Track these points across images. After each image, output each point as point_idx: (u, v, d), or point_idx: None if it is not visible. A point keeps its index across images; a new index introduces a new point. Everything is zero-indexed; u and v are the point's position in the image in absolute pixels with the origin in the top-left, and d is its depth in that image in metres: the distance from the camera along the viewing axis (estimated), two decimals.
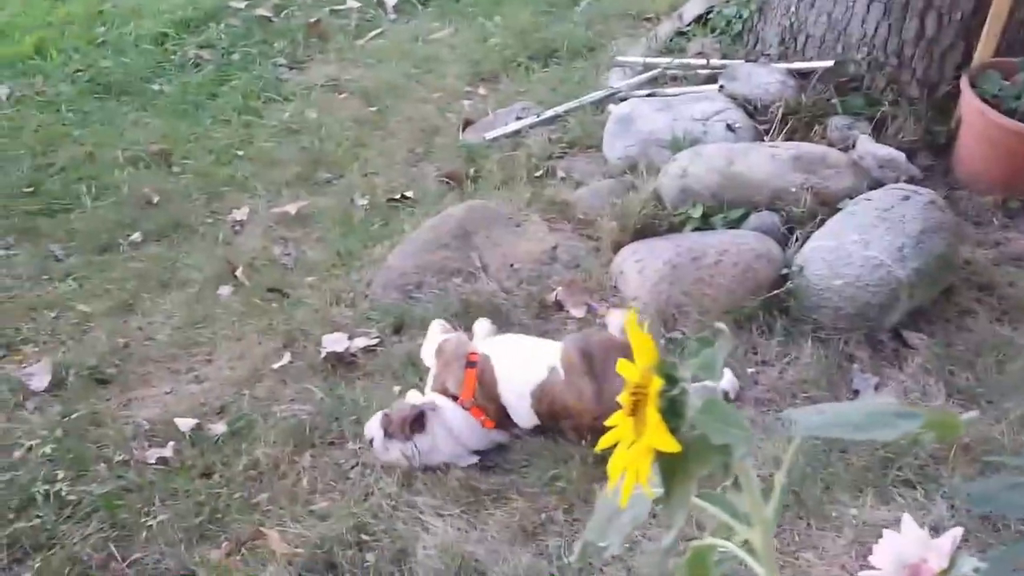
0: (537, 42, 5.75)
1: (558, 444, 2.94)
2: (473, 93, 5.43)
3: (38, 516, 2.90)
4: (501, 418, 3.03)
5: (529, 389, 2.97)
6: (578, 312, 3.47)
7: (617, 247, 3.64)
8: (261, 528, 2.79)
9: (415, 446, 2.92)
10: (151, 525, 2.85)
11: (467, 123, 5.02)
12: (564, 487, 2.80)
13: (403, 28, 6.26)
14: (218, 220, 4.46)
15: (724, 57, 4.85)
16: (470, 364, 3.05)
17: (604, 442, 0.78)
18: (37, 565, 2.75)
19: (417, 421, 2.92)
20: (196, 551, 2.76)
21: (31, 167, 4.75)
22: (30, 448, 3.17)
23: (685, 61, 4.83)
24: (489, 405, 3.02)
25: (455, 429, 2.98)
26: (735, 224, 3.61)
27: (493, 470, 2.91)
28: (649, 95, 4.53)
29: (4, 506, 2.93)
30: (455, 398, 3.03)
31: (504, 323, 3.49)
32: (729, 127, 4.13)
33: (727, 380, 3.09)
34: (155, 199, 4.56)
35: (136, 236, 4.32)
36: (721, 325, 0.77)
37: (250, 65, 5.79)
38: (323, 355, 3.47)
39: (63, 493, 2.97)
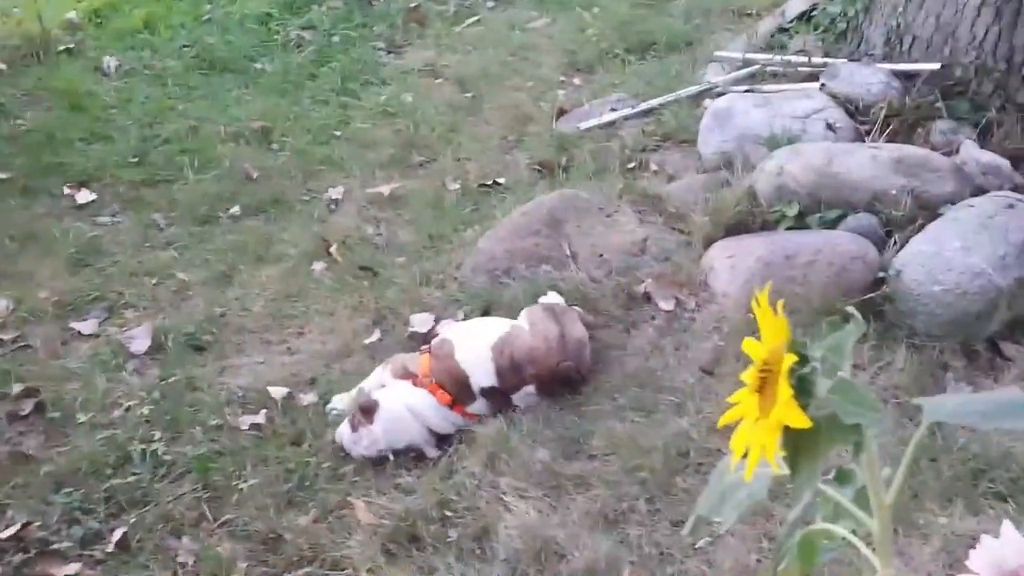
0: (634, 34, 5.74)
1: (642, 434, 2.95)
2: (568, 83, 5.45)
3: (134, 473, 3.01)
4: (458, 390, 3.10)
5: (489, 344, 3.11)
6: (666, 305, 3.46)
7: (709, 242, 3.63)
8: (348, 497, 2.86)
9: (375, 432, 3.00)
10: (242, 488, 2.94)
11: (561, 112, 5.04)
12: (646, 477, 2.81)
13: (500, 16, 6.30)
14: (314, 198, 4.56)
15: (826, 55, 4.79)
16: (423, 350, 3.20)
17: (726, 418, 0.80)
18: (132, 520, 2.85)
19: (367, 409, 3.00)
20: (284, 516, 2.83)
21: (138, 138, 4.91)
22: (128, 408, 3.29)
23: (786, 58, 4.78)
24: (446, 378, 3.10)
25: (413, 407, 3.06)
26: (831, 225, 3.56)
27: (576, 456, 2.93)
28: (747, 91, 4.49)
29: (103, 462, 3.04)
30: (415, 379, 3.12)
31: (591, 312, 3.51)
32: (829, 126, 4.07)
33: None
34: (254, 175, 4.68)
35: (235, 209, 4.44)
36: (852, 309, 0.78)
37: (350, 48, 5.89)
38: (408, 334, 3.53)
39: (159, 453, 3.07)
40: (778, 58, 4.82)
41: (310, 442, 3.11)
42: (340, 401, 3.23)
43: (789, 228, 3.58)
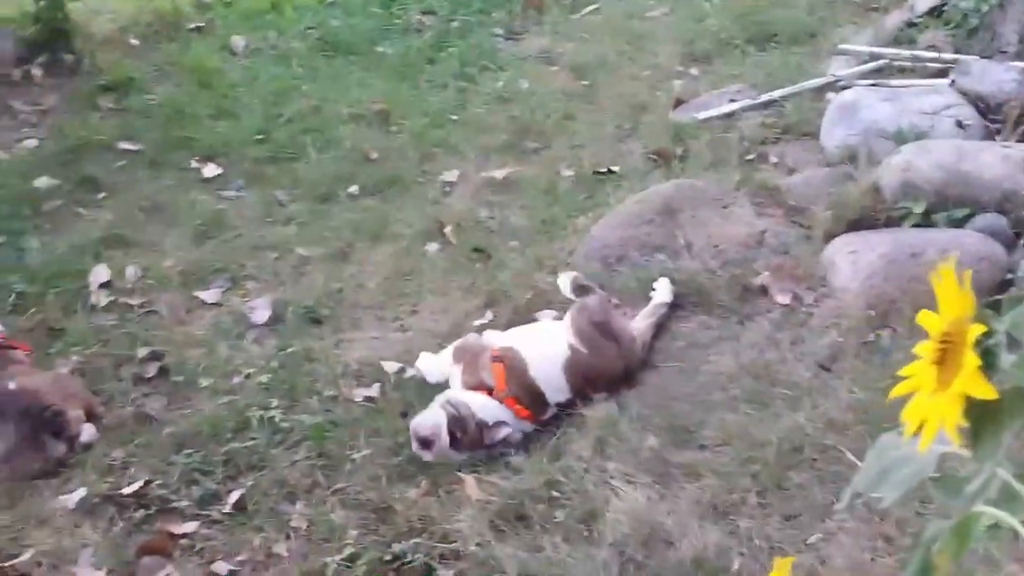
0: (755, 25, 5.64)
1: (756, 426, 2.91)
2: (685, 73, 5.40)
3: (252, 439, 3.10)
4: (534, 404, 3.11)
5: (559, 365, 3.15)
6: (783, 299, 3.41)
7: (830, 237, 3.56)
8: (459, 472, 2.90)
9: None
10: (355, 459, 3.00)
11: (678, 102, 4.99)
12: (758, 470, 2.78)
13: (618, 4, 6.27)
14: (430, 180, 4.62)
15: (956, 52, 4.64)
16: (495, 359, 3.15)
17: (898, 391, 0.79)
18: (249, 483, 2.94)
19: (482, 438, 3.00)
20: (395, 488, 2.88)
21: (262, 116, 5.04)
22: (248, 375, 3.39)
23: (915, 53, 4.65)
24: (522, 393, 3.11)
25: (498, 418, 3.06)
26: (958, 223, 3.46)
27: (686, 445, 2.91)
28: (874, 85, 4.38)
29: (222, 426, 3.14)
30: (489, 391, 3.10)
31: (705, 303, 3.48)
32: (959, 123, 3.95)
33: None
34: (373, 155, 4.76)
35: (354, 189, 4.53)
36: (987, 310, 0.76)
37: (468, 33, 5.94)
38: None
39: (276, 420, 3.16)
40: (906, 53, 4.70)
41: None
42: (425, 362, 3.26)
43: (914, 225, 3.49)
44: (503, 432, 3.01)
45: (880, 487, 0.83)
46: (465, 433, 2.98)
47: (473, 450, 3.00)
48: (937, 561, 0.75)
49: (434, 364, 3.30)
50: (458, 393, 3.12)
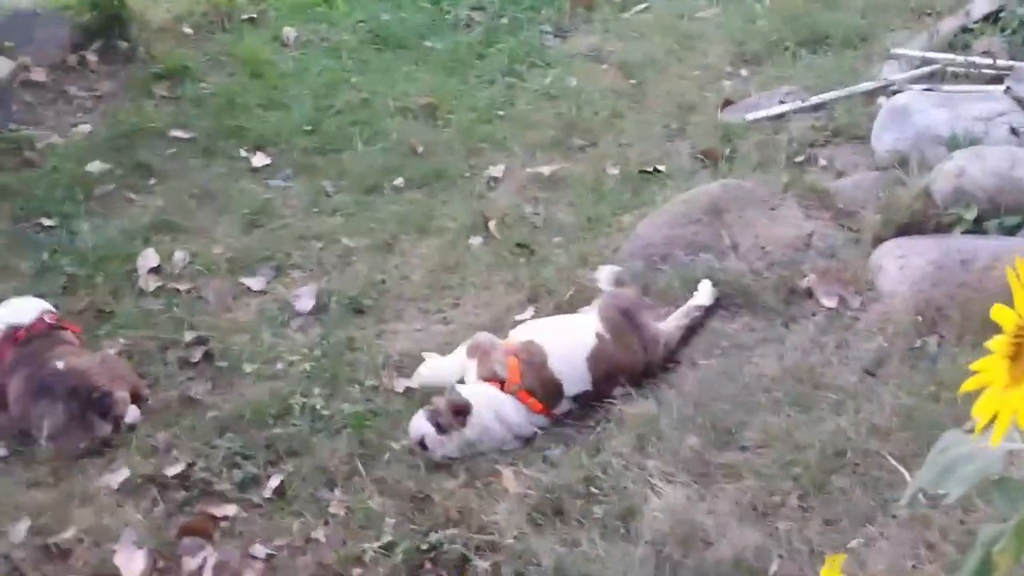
0: (806, 28, 5.59)
1: (798, 429, 2.89)
2: (734, 74, 5.37)
3: (294, 425, 3.13)
4: (549, 397, 3.10)
5: (584, 356, 3.15)
6: (830, 302, 3.37)
7: (878, 241, 3.52)
8: (497, 465, 2.90)
9: (466, 436, 2.98)
10: (394, 448, 3.02)
11: (727, 103, 4.96)
12: (800, 473, 2.75)
13: (668, 4, 6.25)
14: (475, 174, 4.63)
15: (1012, 58, 4.56)
16: (511, 354, 3.15)
17: (968, 385, 0.77)
18: (289, 469, 2.97)
19: (460, 411, 2.97)
20: (433, 478, 2.89)
21: (312, 107, 5.08)
22: (291, 363, 3.42)
23: (969, 59, 4.58)
24: (538, 386, 3.09)
25: (502, 414, 3.04)
26: (1011, 231, 3.40)
27: (727, 446, 2.89)
28: (927, 90, 4.32)
29: (265, 412, 3.17)
30: (502, 384, 3.08)
31: (750, 304, 3.46)
32: (1013, 131, 3.89)
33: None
34: (420, 149, 4.79)
35: (399, 181, 4.55)
36: None
37: (517, 30, 5.95)
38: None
39: (317, 407, 3.18)
40: (961, 58, 4.62)
41: None
42: (427, 368, 3.24)
43: (965, 232, 3.44)
44: (474, 419, 2.99)
45: (944, 483, 0.82)
46: (443, 417, 2.97)
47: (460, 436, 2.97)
48: (997, 560, 0.74)
49: (446, 363, 3.25)
50: (468, 386, 3.11)
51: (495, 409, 3.05)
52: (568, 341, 3.21)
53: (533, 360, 3.15)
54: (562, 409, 3.17)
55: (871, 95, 4.62)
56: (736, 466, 2.81)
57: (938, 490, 0.82)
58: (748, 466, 2.81)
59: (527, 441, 3.08)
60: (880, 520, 2.60)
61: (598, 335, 3.20)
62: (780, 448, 2.84)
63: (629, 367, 3.19)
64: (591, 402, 3.17)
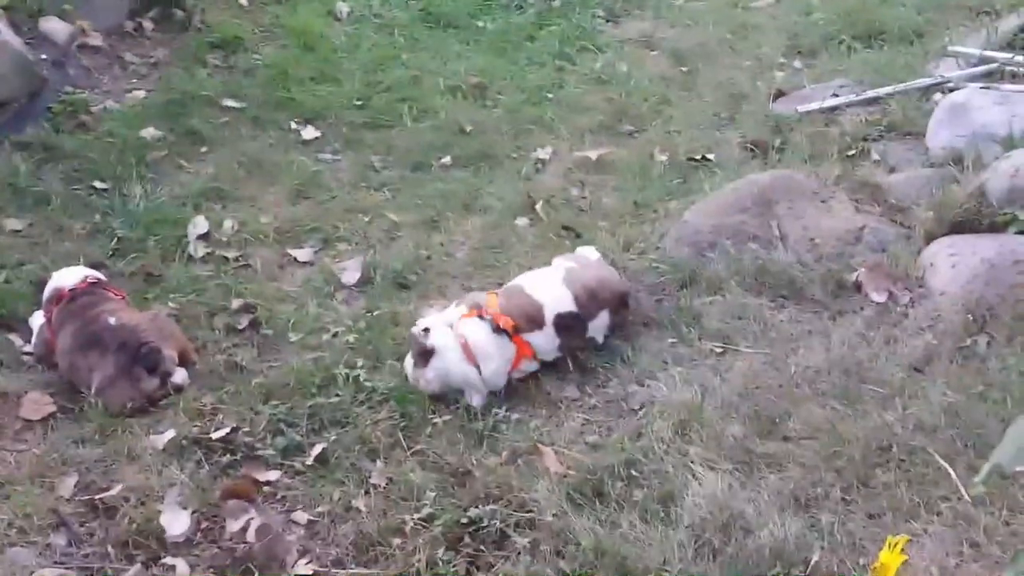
0: (862, 21, 5.54)
1: (843, 423, 2.87)
2: (787, 65, 5.32)
3: (337, 395, 3.15)
4: (527, 322, 3.18)
5: (560, 278, 3.30)
6: (879, 297, 3.35)
7: (930, 238, 3.49)
8: (539, 444, 2.91)
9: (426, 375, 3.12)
10: (436, 423, 3.03)
11: (779, 94, 4.93)
12: (843, 466, 2.74)
13: None
14: (522, 156, 4.63)
15: None
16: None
17: None
18: (332, 438, 2.99)
19: (424, 354, 3.11)
20: (474, 454, 2.90)
21: (362, 82, 5.10)
22: (336, 334, 3.44)
23: None
24: (516, 312, 3.20)
25: (476, 344, 3.12)
26: None
27: (771, 436, 2.88)
28: (984, 88, 4.26)
29: (309, 381, 3.19)
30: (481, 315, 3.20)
31: (797, 296, 3.44)
32: None
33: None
34: (468, 128, 4.79)
35: (447, 159, 4.56)
36: None
37: (570, 13, 5.93)
38: None
39: (360, 379, 3.20)
40: (1020, 58, 4.56)
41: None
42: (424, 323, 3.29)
43: (1019, 232, 3.40)
44: (429, 335, 3.13)
45: (1022, 460, 0.81)
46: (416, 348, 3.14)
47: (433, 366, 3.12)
48: None
49: (443, 317, 3.29)
50: (442, 328, 3.20)
51: (465, 336, 3.14)
52: (542, 273, 3.40)
53: (511, 292, 3.31)
54: (550, 346, 3.22)
55: (927, 91, 4.57)
56: (779, 456, 2.81)
57: (1016, 467, 0.82)
58: (791, 457, 2.80)
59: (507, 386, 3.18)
60: (924, 516, 2.59)
61: (568, 267, 3.38)
62: (824, 440, 2.83)
63: (610, 282, 3.34)
64: (573, 337, 3.23)
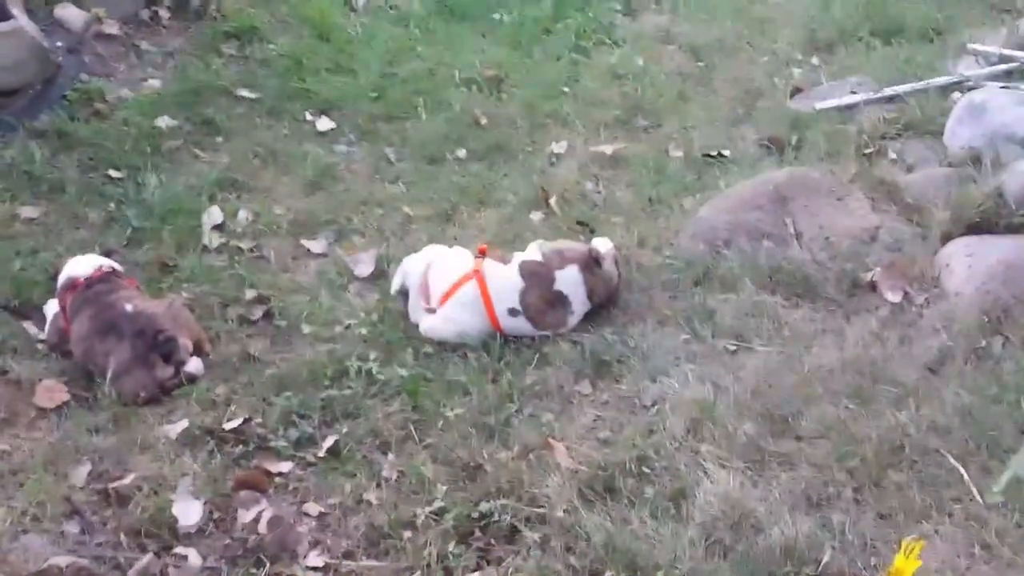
0: (882, 18, 5.51)
1: (856, 422, 2.86)
2: (805, 61, 5.30)
3: (349, 387, 3.15)
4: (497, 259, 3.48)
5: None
6: (894, 296, 3.34)
7: (946, 238, 3.48)
8: (551, 439, 2.91)
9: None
10: (448, 416, 3.03)
11: (796, 90, 4.91)
12: (856, 466, 2.73)
13: None
14: (537, 149, 4.62)
15: None
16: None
17: None
18: (344, 430, 2.99)
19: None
20: (486, 448, 2.90)
21: (377, 74, 5.09)
22: (348, 326, 3.45)
23: None
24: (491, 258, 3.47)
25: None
26: None
27: (783, 434, 2.87)
28: (1004, 87, 4.24)
29: (321, 373, 3.20)
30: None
31: (811, 294, 3.43)
32: None
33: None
34: (483, 121, 4.78)
35: (461, 152, 4.56)
36: None
37: (586, 7, 5.91)
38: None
39: (373, 371, 3.20)
40: None
41: (509, 380, 3.18)
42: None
43: None
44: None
45: None
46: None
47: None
48: None
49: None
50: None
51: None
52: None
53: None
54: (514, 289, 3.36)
55: (945, 90, 4.55)
56: (791, 455, 2.80)
57: None
58: (803, 456, 2.79)
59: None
60: (935, 518, 2.58)
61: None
62: (836, 440, 2.83)
63: (576, 247, 3.50)
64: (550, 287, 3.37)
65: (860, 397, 2.97)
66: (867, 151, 4.20)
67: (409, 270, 3.50)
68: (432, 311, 3.41)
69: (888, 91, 4.59)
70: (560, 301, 3.38)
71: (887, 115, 4.44)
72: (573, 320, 3.41)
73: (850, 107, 4.56)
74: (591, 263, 3.42)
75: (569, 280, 3.38)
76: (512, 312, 3.37)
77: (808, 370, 3.09)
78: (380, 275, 3.73)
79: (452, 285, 3.41)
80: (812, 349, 3.19)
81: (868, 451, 2.75)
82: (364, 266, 3.79)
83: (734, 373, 3.12)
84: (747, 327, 3.32)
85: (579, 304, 3.40)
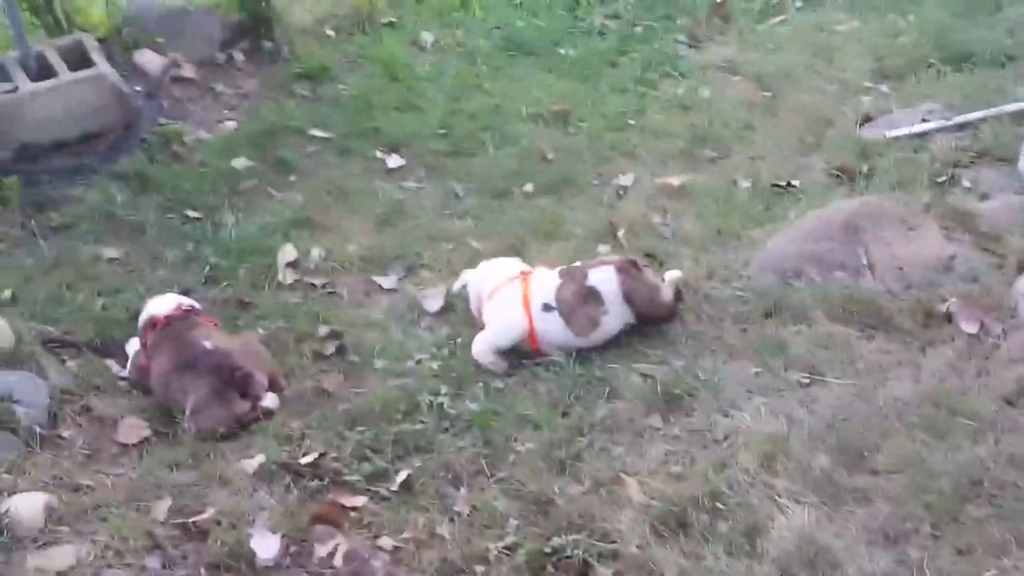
0: (952, 44, 5.44)
1: (933, 456, 2.81)
2: (874, 89, 5.25)
3: (421, 422, 3.19)
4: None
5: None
6: (969, 327, 3.28)
7: (1023, 267, 3.40)
8: (622, 473, 2.90)
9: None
10: (519, 451, 3.05)
11: (866, 119, 4.86)
12: (933, 501, 2.68)
13: (808, 16, 6.15)
14: (604, 182, 4.64)
15: None
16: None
17: None
18: (416, 465, 3.02)
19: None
20: (557, 482, 2.91)
21: (445, 111, 5.17)
22: (420, 361, 3.49)
23: None
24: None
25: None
26: None
27: (858, 468, 2.84)
28: None
29: (394, 407, 3.24)
30: None
31: (885, 326, 3.39)
32: None
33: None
34: (549, 155, 4.82)
35: (528, 187, 4.60)
36: None
37: (651, 39, 5.93)
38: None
39: (444, 406, 3.24)
40: None
41: (580, 414, 3.18)
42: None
43: None
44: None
45: None
46: None
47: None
48: None
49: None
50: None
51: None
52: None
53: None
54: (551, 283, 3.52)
55: (1019, 116, 4.46)
56: (867, 490, 2.76)
57: None
58: (879, 490, 2.75)
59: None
60: (1016, 553, 2.53)
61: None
62: (913, 474, 2.78)
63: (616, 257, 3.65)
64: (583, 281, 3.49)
65: (937, 430, 2.92)
66: (940, 179, 4.14)
67: (470, 281, 3.69)
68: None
69: (960, 118, 4.52)
70: (593, 297, 3.45)
71: (959, 143, 4.38)
72: (609, 323, 3.46)
73: (921, 135, 4.51)
74: (628, 267, 3.48)
75: (603, 278, 3.48)
76: (546, 307, 3.47)
77: (883, 403, 3.05)
78: (450, 309, 3.78)
79: (499, 284, 3.55)
80: (887, 381, 3.15)
81: (945, 485, 2.71)
82: (434, 301, 3.84)
83: (807, 406, 3.09)
84: (819, 359, 3.29)
85: (615, 305, 3.46)
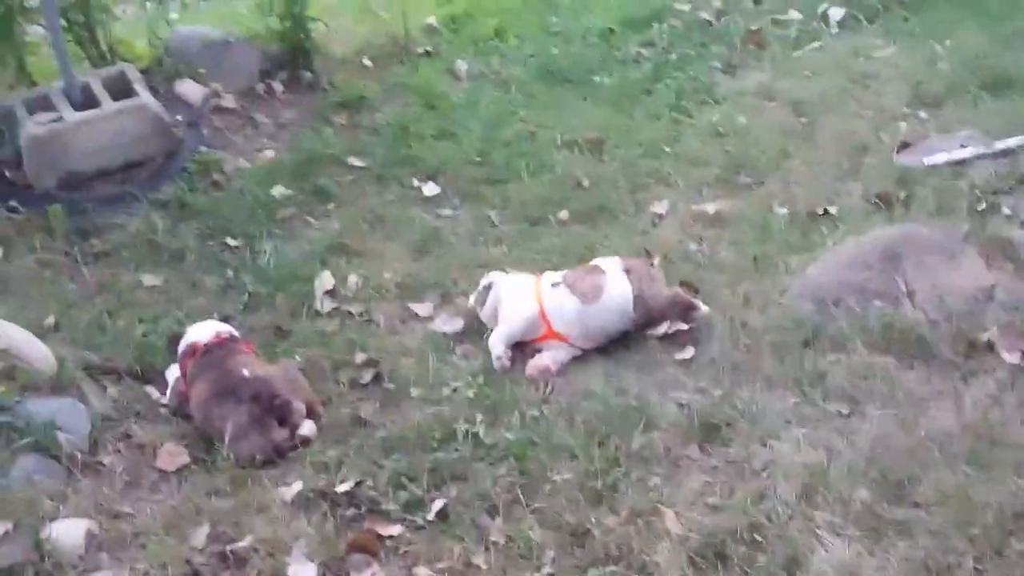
0: (990, 70, 5.39)
1: (975, 488, 2.77)
2: (912, 115, 5.20)
3: (457, 450, 3.19)
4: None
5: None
6: (1012, 357, 3.24)
7: None
8: (659, 504, 2.89)
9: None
10: (555, 480, 3.04)
11: (904, 145, 4.82)
12: (976, 534, 2.64)
13: (844, 42, 6.11)
14: (639, 210, 4.64)
15: None
16: None
17: None
18: (452, 494, 3.03)
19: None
20: (594, 513, 2.90)
21: (481, 139, 5.20)
22: (455, 389, 3.50)
23: None
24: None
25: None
26: None
27: (900, 501, 2.80)
28: None
29: (429, 435, 3.25)
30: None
31: (926, 355, 3.35)
32: None
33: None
34: (584, 182, 4.83)
35: (563, 214, 4.60)
36: None
37: (686, 66, 5.93)
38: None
39: (480, 434, 3.24)
40: None
41: (616, 444, 3.17)
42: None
43: None
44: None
45: None
46: None
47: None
48: None
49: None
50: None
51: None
52: None
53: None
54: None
55: None
56: (908, 523, 2.73)
57: None
58: (921, 523, 2.72)
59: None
60: None
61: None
62: (955, 507, 2.74)
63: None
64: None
65: (979, 462, 2.88)
66: (979, 207, 4.09)
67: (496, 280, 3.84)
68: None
69: (1000, 145, 4.48)
70: (597, 271, 3.74)
71: (999, 170, 4.33)
72: (612, 290, 3.67)
73: (960, 162, 4.47)
74: (633, 260, 3.80)
75: (609, 262, 3.79)
76: (553, 285, 3.74)
77: (924, 434, 3.02)
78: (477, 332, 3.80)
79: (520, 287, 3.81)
80: (928, 412, 3.11)
81: (989, 518, 2.67)
82: (451, 321, 3.88)
83: (847, 437, 3.06)
84: (859, 389, 3.26)
85: (617, 283, 3.69)
